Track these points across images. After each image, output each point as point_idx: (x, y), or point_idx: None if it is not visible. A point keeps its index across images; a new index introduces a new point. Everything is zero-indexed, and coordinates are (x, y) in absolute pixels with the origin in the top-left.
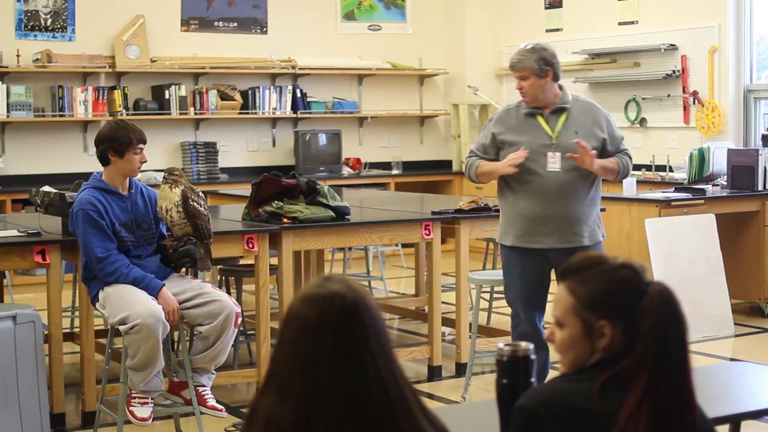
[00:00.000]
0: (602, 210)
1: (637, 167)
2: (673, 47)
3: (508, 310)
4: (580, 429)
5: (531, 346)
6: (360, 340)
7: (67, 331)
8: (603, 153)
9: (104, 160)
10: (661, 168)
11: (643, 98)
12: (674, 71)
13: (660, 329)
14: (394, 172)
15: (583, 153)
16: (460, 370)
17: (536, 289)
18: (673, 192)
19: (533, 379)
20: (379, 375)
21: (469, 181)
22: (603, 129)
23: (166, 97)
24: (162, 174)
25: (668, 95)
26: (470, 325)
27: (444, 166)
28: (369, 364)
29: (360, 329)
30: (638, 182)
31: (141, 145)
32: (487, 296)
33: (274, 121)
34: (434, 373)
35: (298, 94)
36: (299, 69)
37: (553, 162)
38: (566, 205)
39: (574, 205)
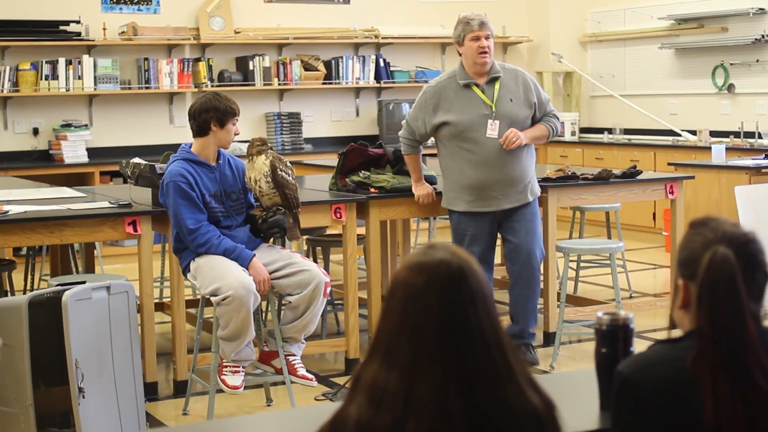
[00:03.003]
0: (690, 178)
1: (725, 134)
2: (761, 11)
3: (598, 280)
4: (674, 397)
5: (631, 314)
6: (467, 307)
7: (157, 301)
8: (533, 116)
9: (203, 131)
10: (749, 135)
11: (731, 64)
12: (763, 36)
13: (708, 298)
14: None
15: (510, 143)
16: (548, 339)
17: (486, 249)
18: (764, 159)
19: (632, 348)
20: (484, 341)
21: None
22: (533, 94)
23: (250, 68)
24: (247, 145)
25: (757, 60)
26: (558, 293)
27: None
28: (475, 330)
29: (466, 296)
30: (727, 149)
31: (238, 117)
32: (574, 265)
33: (357, 91)
34: None
35: (381, 64)
36: (382, 38)
37: (492, 130)
38: (510, 168)
39: (516, 168)
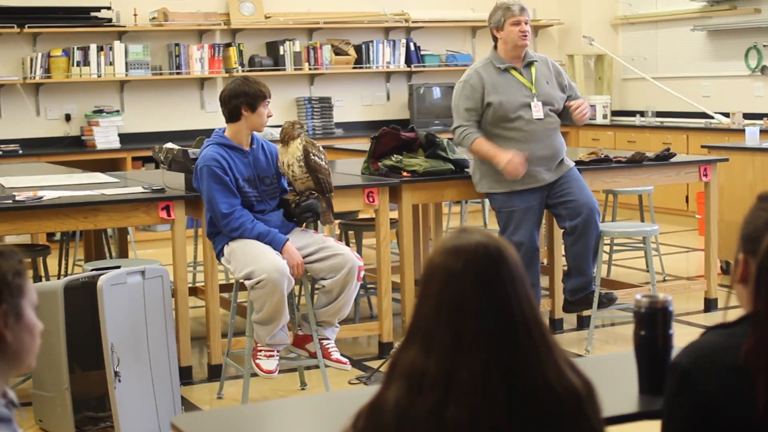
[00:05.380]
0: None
1: (759, 116)
2: None
3: (631, 263)
4: (734, 385)
5: (670, 297)
6: (507, 288)
7: (191, 286)
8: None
9: (235, 116)
10: None
11: (764, 45)
12: None
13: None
14: None
15: (583, 115)
16: (582, 322)
17: (534, 229)
18: None
19: (671, 331)
20: (525, 321)
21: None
22: (563, 78)
23: (281, 53)
24: (279, 130)
25: None
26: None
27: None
28: (516, 310)
29: (506, 277)
30: (761, 131)
31: (269, 99)
32: (607, 248)
33: (388, 75)
34: (556, 326)
35: (412, 48)
36: (412, 22)
37: (537, 111)
38: (550, 144)
39: (558, 141)
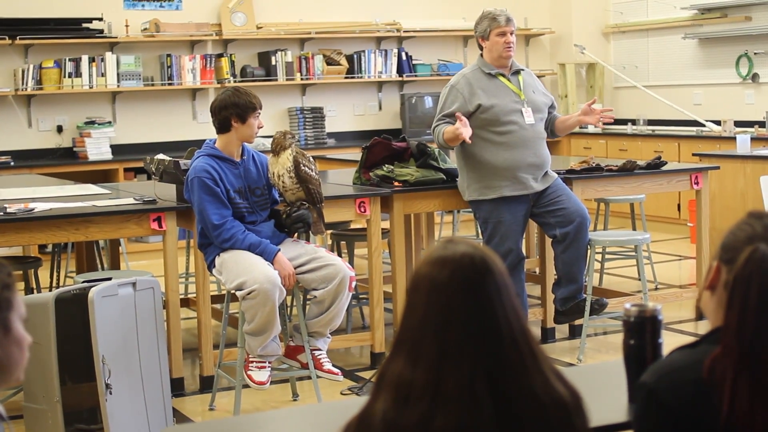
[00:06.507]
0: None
1: (750, 124)
2: None
3: (623, 271)
4: (698, 400)
5: (659, 306)
6: (493, 298)
7: (182, 297)
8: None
9: (225, 127)
10: None
11: (755, 53)
12: None
13: (740, 294)
14: None
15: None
16: (574, 331)
17: (520, 239)
18: None
19: (661, 340)
20: (511, 331)
21: (439, 147)
22: (546, 91)
23: (273, 63)
24: (270, 140)
25: None
26: (584, 286)
27: None
28: (502, 321)
29: (492, 287)
30: (752, 139)
31: (260, 111)
32: (599, 257)
33: (379, 85)
34: (548, 335)
35: (404, 57)
36: (404, 32)
37: (528, 117)
38: (539, 152)
39: (545, 151)
